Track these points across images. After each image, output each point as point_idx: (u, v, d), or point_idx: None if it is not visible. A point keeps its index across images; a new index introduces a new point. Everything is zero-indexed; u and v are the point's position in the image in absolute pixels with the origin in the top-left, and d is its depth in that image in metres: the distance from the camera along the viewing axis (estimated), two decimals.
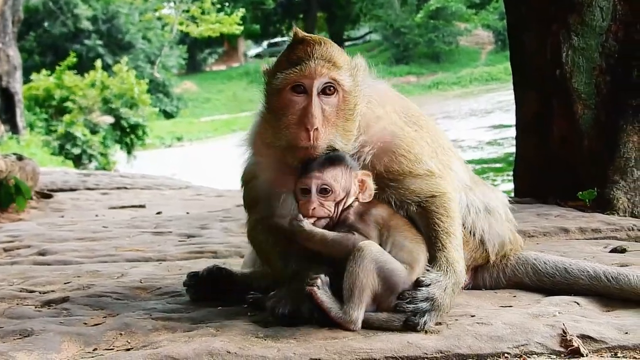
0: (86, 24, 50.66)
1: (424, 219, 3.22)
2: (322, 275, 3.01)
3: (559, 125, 6.77)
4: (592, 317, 3.12)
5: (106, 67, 35.06)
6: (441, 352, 2.77)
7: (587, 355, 2.76)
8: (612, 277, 3.39)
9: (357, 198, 3.18)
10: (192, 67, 65.29)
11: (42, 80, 30.79)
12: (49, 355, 2.86)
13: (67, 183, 13.98)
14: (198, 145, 43.09)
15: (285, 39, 60.44)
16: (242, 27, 54.48)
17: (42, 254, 5.69)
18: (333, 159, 3.11)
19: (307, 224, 3.06)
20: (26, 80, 29.82)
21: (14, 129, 23.81)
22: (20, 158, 10.44)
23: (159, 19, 57.58)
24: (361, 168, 3.21)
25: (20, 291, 4.12)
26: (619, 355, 2.79)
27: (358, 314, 2.93)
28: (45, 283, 4.38)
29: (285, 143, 3.11)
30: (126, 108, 30.36)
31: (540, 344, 2.83)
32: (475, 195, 3.53)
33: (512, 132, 7.78)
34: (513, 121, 7.65)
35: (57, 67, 31.83)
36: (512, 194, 7.50)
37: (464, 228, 3.42)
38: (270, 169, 3.29)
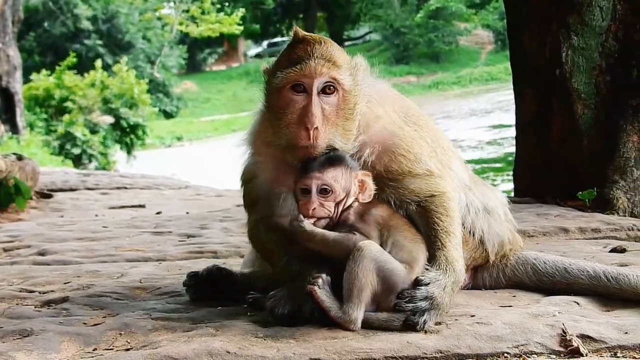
0: (86, 24, 50.66)
1: (423, 218, 3.22)
2: (323, 275, 3.01)
3: (559, 125, 6.77)
4: (591, 317, 3.12)
5: (106, 67, 35.06)
6: (441, 352, 2.77)
7: (586, 355, 2.76)
8: (611, 277, 3.39)
9: (356, 198, 3.18)
10: (192, 67, 65.31)
11: (42, 80, 30.78)
12: (49, 355, 2.86)
13: (67, 183, 13.96)
14: (198, 145, 43.10)
15: (285, 38, 60.41)
16: (242, 27, 54.46)
17: (41, 254, 5.69)
18: (333, 159, 3.11)
19: (307, 224, 3.07)
20: (26, 80, 29.82)
21: (13, 128, 23.81)
22: (20, 158, 10.43)
23: (159, 18, 57.58)
24: (361, 167, 3.21)
25: (20, 291, 4.12)
26: (618, 355, 2.79)
27: (357, 313, 2.93)
28: (45, 283, 4.38)
29: (285, 142, 3.11)
30: (126, 108, 30.37)
31: (539, 343, 2.83)
32: (474, 195, 3.53)
33: (512, 131, 7.78)
34: (513, 121, 7.65)
35: (57, 67, 31.82)
36: (512, 194, 7.51)
37: (464, 228, 3.42)
38: (270, 169, 3.30)
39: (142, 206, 10.85)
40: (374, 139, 3.23)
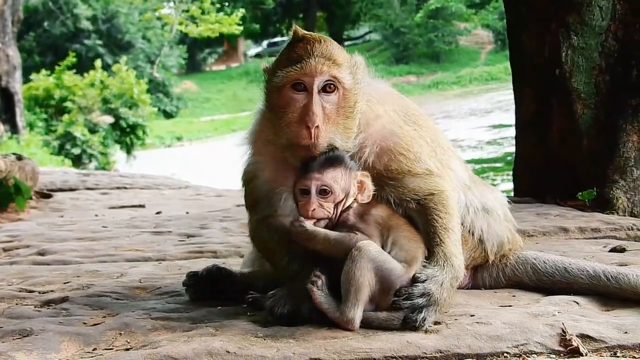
0: (86, 24, 50.65)
1: (422, 216, 3.22)
2: (322, 276, 3.01)
3: (559, 124, 6.77)
4: (591, 316, 3.12)
5: (106, 67, 35.08)
6: (440, 352, 2.77)
7: (586, 355, 2.76)
8: (611, 277, 3.39)
9: (355, 199, 3.18)
10: (192, 66, 65.29)
11: (42, 80, 30.80)
12: (49, 355, 2.85)
13: (67, 183, 13.95)
14: (198, 145, 43.11)
15: (285, 38, 59.81)
16: (241, 27, 54.44)
17: (41, 253, 5.69)
18: (332, 159, 3.11)
19: (309, 224, 3.07)
20: (26, 80, 29.83)
21: (13, 128, 23.80)
22: (19, 158, 10.43)
23: (159, 18, 57.54)
24: (360, 167, 3.22)
25: (20, 291, 4.12)
26: (618, 354, 2.79)
27: (355, 313, 2.93)
28: (45, 283, 4.38)
29: (286, 141, 3.11)
30: (126, 108, 30.38)
31: (539, 343, 2.83)
32: (474, 194, 3.53)
33: (512, 131, 7.78)
34: (512, 121, 7.65)
35: (57, 67, 31.83)
36: (512, 194, 7.51)
37: (463, 227, 3.42)
38: (270, 168, 3.30)
39: (142, 206, 10.84)
40: (373, 138, 3.23)
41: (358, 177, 3.17)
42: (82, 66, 36.28)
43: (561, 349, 2.80)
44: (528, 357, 2.77)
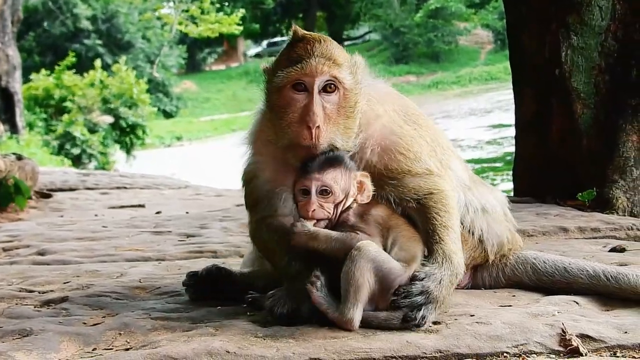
0: (85, 24, 50.64)
1: (422, 215, 3.22)
2: (321, 277, 3.01)
3: (558, 124, 6.78)
4: (591, 316, 3.12)
5: (105, 67, 35.08)
6: (440, 352, 2.77)
7: (586, 355, 2.76)
8: (611, 277, 3.39)
9: (355, 199, 3.18)
10: (192, 66, 65.27)
11: (42, 80, 30.80)
12: (48, 355, 2.85)
13: (67, 183, 13.96)
14: (197, 145, 43.10)
15: (284, 38, 60.10)
16: (241, 27, 54.43)
17: (41, 253, 5.69)
18: (332, 160, 3.11)
19: (310, 225, 3.07)
20: (25, 80, 29.83)
21: (13, 128, 23.80)
22: (19, 158, 10.43)
23: (159, 18, 57.52)
24: (360, 166, 3.22)
25: (20, 291, 4.12)
26: (618, 354, 2.79)
27: (354, 312, 2.93)
28: (45, 283, 4.38)
29: (287, 141, 3.11)
30: (125, 108, 30.37)
31: (539, 343, 2.83)
32: (473, 194, 3.53)
33: (512, 131, 7.78)
34: (512, 120, 7.65)
35: (57, 67, 31.83)
36: (512, 194, 7.51)
37: (463, 227, 3.42)
38: (270, 168, 3.30)
39: (142, 206, 10.84)
40: (373, 138, 3.23)
41: (358, 177, 3.17)
42: (82, 66, 36.28)
43: (561, 349, 2.80)
44: (528, 357, 2.77)
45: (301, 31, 3.19)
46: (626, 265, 3.91)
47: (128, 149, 30.69)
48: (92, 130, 28.75)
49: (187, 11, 54.23)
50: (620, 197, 6.38)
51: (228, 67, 67.84)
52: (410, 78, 58.25)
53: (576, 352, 2.77)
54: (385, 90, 3.44)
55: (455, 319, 3.06)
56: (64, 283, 4.34)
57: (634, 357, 2.77)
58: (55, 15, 50.72)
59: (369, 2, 64.58)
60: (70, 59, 32.60)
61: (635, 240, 5.26)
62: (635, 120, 6.48)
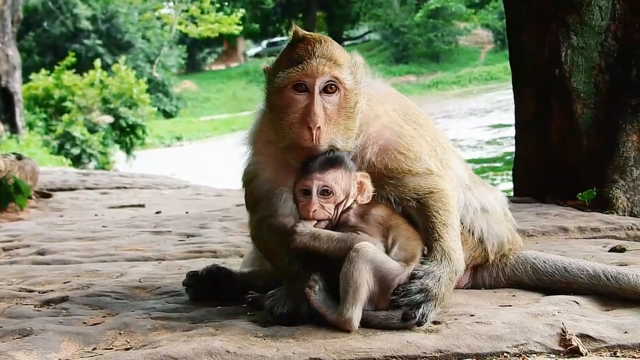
0: (85, 24, 50.64)
1: (421, 214, 3.22)
2: (319, 281, 3.02)
3: (558, 124, 6.77)
4: (591, 316, 3.12)
5: (105, 67, 35.08)
6: (440, 352, 2.77)
7: (586, 355, 2.76)
8: (611, 276, 3.39)
9: (355, 200, 3.18)
10: (192, 66, 65.27)
11: (42, 79, 30.80)
12: (48, 355, 2.85)
13: (67, 182, 13.96)
14: (197, 145, 43.10)
15: (284, 38, 60.36)
16: (241, 27, 54.42)
17: (41, 253, 5.69)
18: (333, 160, 3.11)
19: (311, 225, 3.07)
20: (25, 79, 29.82)
21: (13, 128, 23.80)
22: (19, 157, 10.43)
23: (158, 18, 57.53)
24: (361, 166, 3.22)
25: (20, 291, 4.12)
26: (618, 354, 2.79)
27: (353, 313, 2.93)
28: (45, 282, 4.38)
29: (288, 142, 3.11)
30: (125, 108, 30.36)
31: (539, 343, 2.83)
32: (473, 194, 3.53)
33: (511, 131, 7.78)
34: (512, 120, 7.65)
35: (56, 67, 31.83)
36: (512, 193, 7.51)
37: (463, 227, 3.42)
38: (271, 168, 3.30)
39: (142, 206, 10.84)
40: (374, 138, 3.24)
41: (358, 178, 3.17)
42: (82, 66, 36.29)
43: (561, 348, 2.80)
44: (528, 356, 2.77)
45: (302, 31, 3.19)
46: (626, 265, 3.91)
47: (128, 148, 30.68)
48: (92, 130, 28.75)
49: (187, 11, 54.24)
50: (620, 197, 6.38)
51: (228, 67, 67.83)
52: (410, 78, 58.25)
53: (576, 352, 2.77)
54: (385, 90, 3.45)
55: (455, 319, 3.06)
56: (64, 283, 4.34)
57: (634, 357, 2.77)
58: (55, 15, 50.71)
59: (368, 2, 64.57)
60: (70, 59, 32.61)
61: (635, 240, 5.26)
62: (635, 120, 6.48)
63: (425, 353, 2.76)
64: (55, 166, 21.98)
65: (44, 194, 11.50)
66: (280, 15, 69.54)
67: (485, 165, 22.30)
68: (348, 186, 3.15)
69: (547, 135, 6.86)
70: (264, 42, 69.54)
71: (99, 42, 50.19)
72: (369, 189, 3.19)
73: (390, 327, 2.96)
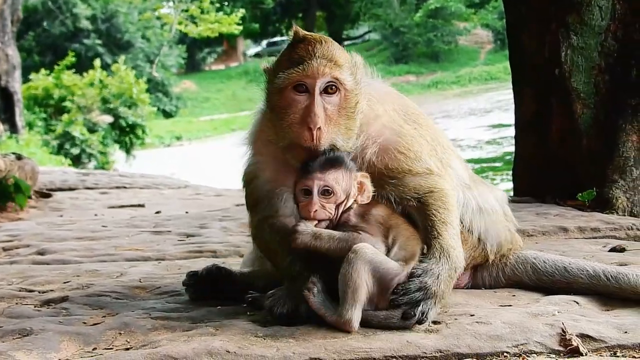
0: (85, 24, 50.65)
1: (421, 212, 3.22)
2: (318, 283, 3.02)
3: (558, 124, 6.77)
4: (591, 316, 3.12)
5: (105, 67, 35.07)
6: (440, 352, 2.77)
7: (586, 355, 2.76)
8: (611, 276, 3.39)
9: (355, 200, 3.18)
10: (191, 66, 65.26)
11: (41, 79, 30.80)
12: (48, 355, 2.85)
13: (66, 182, 13.97)
14: (197, 145, 43.09)
15: (284, 38, 60.41)
16: (241, 27, 54.40)
17: (41, 253, 5.69)
18: (333, 160, 3.12)
19: (312, 225, 3.07)
20: (25, 79, 29.82)
21: (13, 128, 23.80)
22: (19, 157, 10.43)
23: (158, 18, 57.52)
24: (361, 166, 3.22)
25: (20, 290, 4.12)
26: (618, 354, 2.79)
27: (352, 314, 2.93)
28: (45, 282, 4.38)
29: (288, 142, 3.12)
30: (125, 107, 30.35)
31: (539, 343, 2.83)
32: (473, 193, 3.53)
33: (511, 131, 7.78)
34: (512, 120, 7.65)
35: (56, 67, 31.83)
36: (512, 193, 7.51)
37: (463, 226, 3.42)
38: (271, 168, 3.30)
39: (142, 205, 10.85)
40: (374, 138, 3.24)
41: (358, 178, 3.18)
42: (82, 66, 36.30)
43: (561, 348, 2.80)
44: (528, 356, 2.77)
45: (302, 32, 3.19)
46: (626, 265, 3.91)
47: (127, 148, 30.68)
48: (92, 129, 28.74)
49: (186, 11, 54.24)
50: (620, 197, 6.38)
51: (227, 66, 67.83)
52: (410, 78, 58.25)
53: (576, 351, 2.77)
54: (384, 90, 3.45)
55: (456, 319, 3.06)
56: (64, 283, 4.34)
57: (634, 357, 2.77)
58: (55, 14, 50.71)
59: (368, 2, 64.56)
60: (70, 58, 32.62)
61: (635, 240, 5.26)
62: (635, 120, 6.48)
63: (425, 353, 2.76)
64: (55, 166, 21.99)
65: (44, 194, 11.50)
66: (280, 15, 69.53)
67: (484, 165, 22.30)
68: (348, 186, 3.15)
69: (547, 135, 6.86)
70: (264, 42, 69.55)
71: (98, 41, 50.20)
72: (369, 189, 3.20)
73: (391, 327, 2.96)
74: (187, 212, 9.07)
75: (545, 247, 4.62)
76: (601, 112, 6.56)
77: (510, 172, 7.89)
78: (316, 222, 3.11)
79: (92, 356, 2.86)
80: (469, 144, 27.67)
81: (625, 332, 2.89)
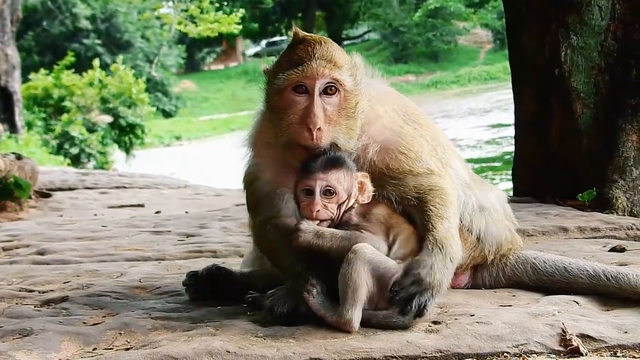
0: (85, 23, 50.64)
1: (420, 210, 3.22)
2: (317, 285, 3.02)
3: (558, 124, 6.78)
4: (591, 316, 3.12)
5: (104, 66, 35.04)
6: (441, 352, 2.77)
7: (586, 355, 2.76)
8: (611, 276, 3.39)
9: (356, 200, 3.19)
10: (191, 66, 65.24)
11: (41, 79, 30.77)
12: (49, 355, 2.85)
13: (66, 182, 13.96)
14: (197, 145, 43.09)
15: (283, 38, 60.51)
16: (240, 27, 54.40)
17: (41, 253, 5.69)
18: (335, 160, 3.12)
19: (314, 224, 3.08)
20: (25, 79, 29.80)
21: (12, 128, 23.78)
22: (19, 157, 10.42)
23: (158, 18, 57.51)
24: (362, 166, 3.23)
25: (20, 290, 4.12)
26: (618, 354, 2.79)
27: (352, 314, 2.93)
28: (45, 282, 4.38)
29: (287, 139, 3.12)
30: (124, 107, 30.34)
31: (539, 343, 2.83)
32: (473, 193, 3.53)
33: (511, 131, 7.78)
34: (512, 120, 7.66)
35: (56, 67, 31.82)
36: (511, 193, 7.51)
37: (462, 226, 3.42)
38: (271, 169, 3.30)
39: (141, 205, 10.84)
40: (374, 138, 3.25)
41: (358, 178, 3.18)
42: (81, 65, 36.29)
43: (561, 348, 2.81)
44: (528, 356, 2.77)
45: (302, 33, 3.20)
46: (626, 265, 3.92)
47: (127, 148, 30.66)
48: (91, 129, 28.73)
49: (186, 11, 54.24)
50: (620, 197, 6.39)
51: (227, 66, 67.82)
52: (410, 77, 58.25)
53: (576, 352, 2.77)
54: (384, 90, 3.46)
55: (456, 319, 3.06)
56: (64, 283, 4.34)
57: (634, 357, 2.77)
58: (55, 14, 50.70)
59: (368, 2, 64.56)
60: (69, 58, 32.62)
61: (635, 240, 5.26)
62: (635, 120, 6.48)
63: (425, 353, 2.76)
64: (55, 166, 21.98)
65: (44, 194, 11.49)
66: (280, 15, 69.53)
67: (484, 165, 22.30)
68: (350, 186, 3.16)
69: (547, 135, 6.86)
70: (263, 42, 69.56)
71: (98, 41, 50.20)
72: (369, 188, 3.20)
73: (391, 326, 2.96)
74: (187, 212, 9.07)
75: (545, 247, 4.62)
76: (601, 112, 6.56)
77: (510, 172, 7.89)
78: (318, 221, 3.11)
79: (92, 356, 2.86)
80: (468, 144, 27.67)
81: (626, 332, 2.89)
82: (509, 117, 8.39)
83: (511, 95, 7.63)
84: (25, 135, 24.84)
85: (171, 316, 3.34)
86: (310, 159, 3.11)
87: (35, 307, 3.72)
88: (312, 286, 3.01)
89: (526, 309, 3.18)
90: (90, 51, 48.04)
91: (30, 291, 4.12)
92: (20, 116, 24.70)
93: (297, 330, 2.96)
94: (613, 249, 4.60)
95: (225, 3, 61.50)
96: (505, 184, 14.91)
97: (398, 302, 2.94)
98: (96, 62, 31.97)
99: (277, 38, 66.17)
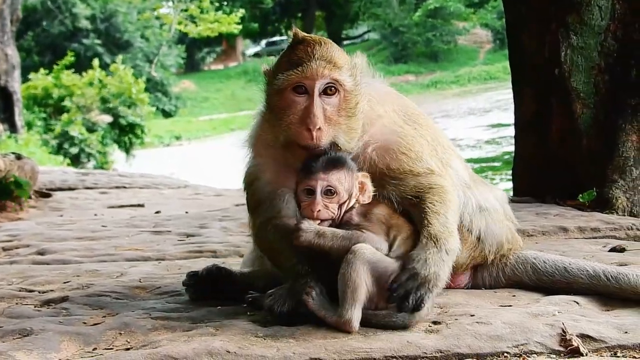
0: (84, 23, 50.65)
1: (418, 207, 3.22)
2: (316, 287, 3.03)
3: (558, 124, 6.78)
4: (591, 316, 3.12)
5: (104, 66, 35.05)
6: (441, 352, 2.77)
7: (586, 355, 2.76)
8: (611, 277, 3.39)
9: (357, 200, 3.19)
10: (191, 66, 65.22)
11: (41, 79, 30.78)
12: (49, 355, 2.85)
13: (66, 182, 13.97)
14: (196, 144, 43.09)
15: (283, 37, 60.50)
16: (240, 27, 54.40)
17: (41, 253, 5.69)
18: (335, 160, 3.13)
19: (315, 224, 3.08)
20: (24, 79, 29.79)
21: (12, 128, 23.78)
22: (19, 157, 10.42)
23: (157, 18, 57.52)
24: (362, 166, 3.23)
25: (20, 290, 4.12)
26: (618, 354, 2.79)
27: (352, 314, 2.93)
28: (45, 282, 4.38)
29: (286, 139, 3.12)
30: (124, 107, 30.34)
31: (539, 343, 2.83)
32: (473, 193, 3.53)
33: (511, 131, 7.78)
34: (511, 120, 7.66)
35: (55, 66, 31.83)
36: (511, 193, 7.51)
37: (462, 226, 3.42)
38: (271, 170, 3.31)
39: (141, 205, 10.84)
40: (374, 138, 3.25)
41: (359, 178, 3.18)
42: (81, 65, 36.31)
43: (561, 348, 2.81)
44: (528, 357, 2.77)
45: (301, 33, 3.20)
46: (626, 265, 3.92)
47: (127, 148, 30.67)
48: (91, 129, 28.74)
49: (186, 10, 54.24)
50: (620, 197, 6.39)
51: (227, 66, 67.81)
52: (409, 77, 58.26)
53: (576, 352, 2.77)
54: (384, 90, 3.46)
55: (456, 319, 3.06)
56: (64, 283, 4.34)
57: (634, 357, 2.77)
58: (54, 14, 50.70)
59: (368, 2, 64.56)
60: (69, 58, 32.65)
61: (635, 240, 5.26)
62: (635, 120, 6.48)
63: (425, 353, 2.76)
64: (54, 166, 21.99)
65: (44, 194, 11.49)
66: (280, 15, 69.53)
67: (484, 164, 22.31)
68: (351, 186, 3.16)
69: (547, 135, 6.86)
70: (263, 42, 69.55)
71: (97, 41, 50.21)
72: (370, 188, 3.21)
73: (391, 325, 2.96)
74: (186, 212, 9.07)
75: (545, 247, 4.62)
76: (601, 112, 6.56)
77: (510, 172, 7.89)
78: (319, 221, 3.11)
79: (92, 356, 2.86)
80: (468, 144, 27.68)
81: (626, 332, 2.89)
82: (509, 117, 8.40)
83: (511, 95, 7.63)
84: (25, 135, 24.84)
85: (171, 316, 3.34)
86: (311, 159, 3.12)
87: (35, 307, 3.72)
88: (311, 288, 3.02)
89: (526, 309, 3.18)
90: (90, 51, 48.05)
91: (30, 291, 4.12)
92: (20, 116, 24.70)
93: (297, 330, 2.96)
94: (613, 249, 4.60)
95: (225, 3, 61.49)
96: (505, 184, 14.91)
97: (396, 299, 2.95)
98: (96, 62, 31.99)
99: (277, 38, 66.17)
